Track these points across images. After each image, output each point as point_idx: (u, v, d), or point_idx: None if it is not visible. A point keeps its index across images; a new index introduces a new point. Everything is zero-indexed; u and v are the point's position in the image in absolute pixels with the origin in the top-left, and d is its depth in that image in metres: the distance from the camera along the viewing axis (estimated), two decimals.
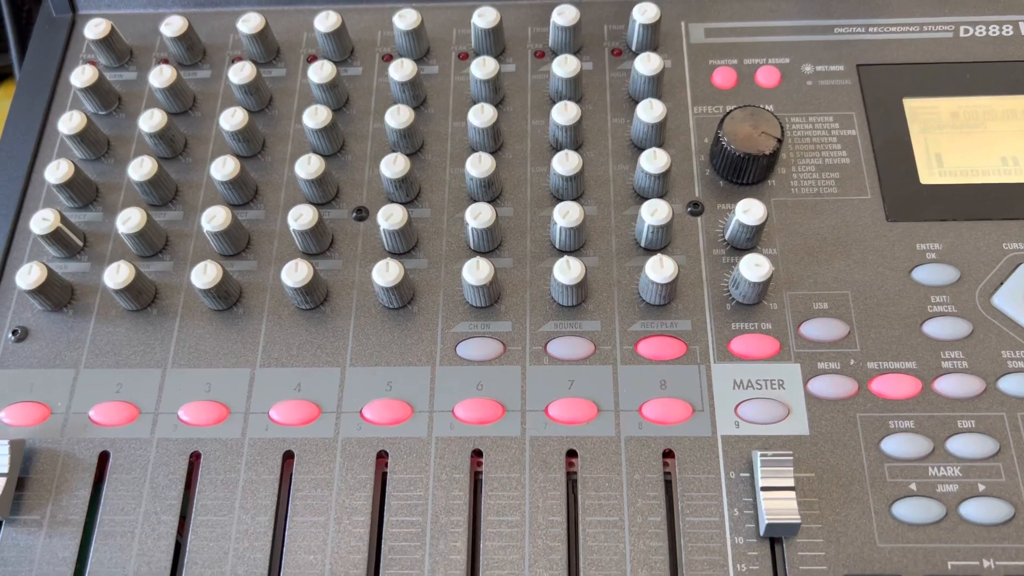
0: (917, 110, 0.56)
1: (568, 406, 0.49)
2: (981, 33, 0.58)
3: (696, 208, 0.54)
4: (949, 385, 0.48)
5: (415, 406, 0.49)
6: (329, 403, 0.49)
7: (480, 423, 0.48)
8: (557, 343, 0.50)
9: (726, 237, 0.52)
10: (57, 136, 0.57)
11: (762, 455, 0.45)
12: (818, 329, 0.50)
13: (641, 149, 0.55)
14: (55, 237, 0.52)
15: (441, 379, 0.50)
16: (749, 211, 0.50)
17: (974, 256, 0.51)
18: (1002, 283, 0.51)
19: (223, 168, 0.53)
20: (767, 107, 0.56)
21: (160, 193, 0.55)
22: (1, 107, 0.89)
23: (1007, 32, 0.58)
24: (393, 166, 0.52)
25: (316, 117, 0.54)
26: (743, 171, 0.53)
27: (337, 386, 0.50)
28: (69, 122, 0.55)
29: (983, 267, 0.51)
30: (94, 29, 0.58)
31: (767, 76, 0.57)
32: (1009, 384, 0.48)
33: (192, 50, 0.59)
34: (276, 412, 0.49)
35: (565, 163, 0.52)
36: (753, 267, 0.48)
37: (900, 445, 0.47)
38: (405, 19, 0.57)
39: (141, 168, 0.53)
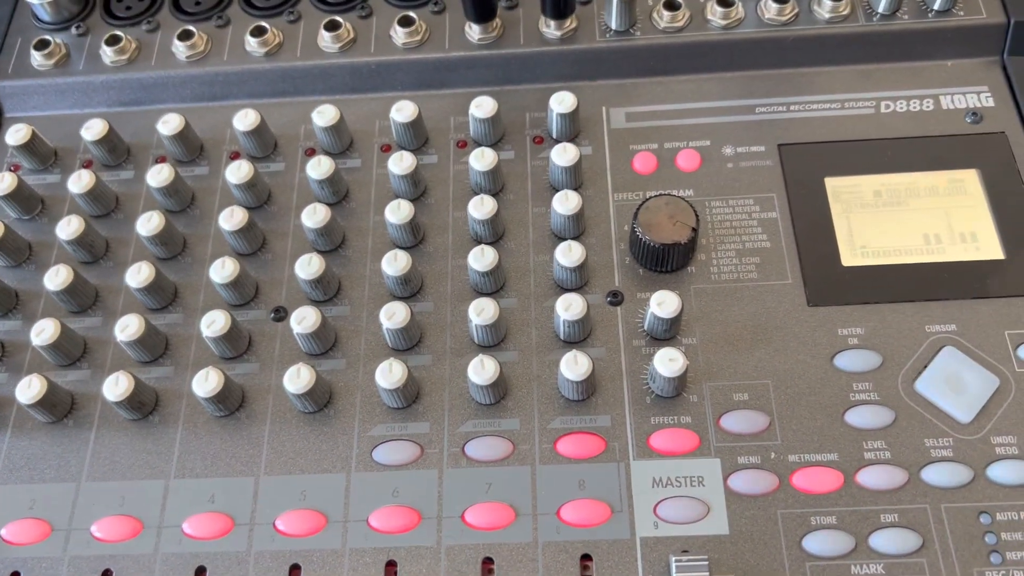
0: (839, 189, 0.56)
1: (485, 511, 0.48)
2: (902, 108, 0.58)
3: (616, 298, 0.53)
4: (872, 477, 0.47)
5: (329, 516, 0.48)
6: (242, 514, 0.48)
7: (396, 532, 0.47)
8: (475, 444, 0.49)
9: (645, 328, 0.52)
10: None
11: (677, 561, 0.44)
12: (738, 421, 0.49)
13: (561, 239, 0.55)
14: None
15: (356, 486, 0.49)
16: (663, 304, 0.49)
17: (897, 340, 0.51)
18: (925, 367, 0.50)
19: (138, 275, 0.52)
20: (687, 192, 0.56)
21: (78, 300, 0.54)
22: None
23: (927, 107, 0.58)
24: (308, 267, 0.52)
25: (232, 219, 0.54)
26: (661, 260, 0.53)
27: (251, 497, 0.49)
28: None
29: (906, 351, 0.50)
30: (15, 135, 0.58)
31: (687, 160, 0.57)
32: (932, 474, 0.47)
33: (114, 151, 0.60)
34: (189, 525, 0.48)
35: (481, 259, 0.52)
36: (667, 362, 0.48)
37: (822, 543, 0.46)
38: (324, 115, 0.57)
39: (57, 277, 0.53)
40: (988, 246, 0.53)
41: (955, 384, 0.49)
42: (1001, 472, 0.47)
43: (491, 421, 0.50)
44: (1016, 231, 0.53)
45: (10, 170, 0.60)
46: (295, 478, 0.49)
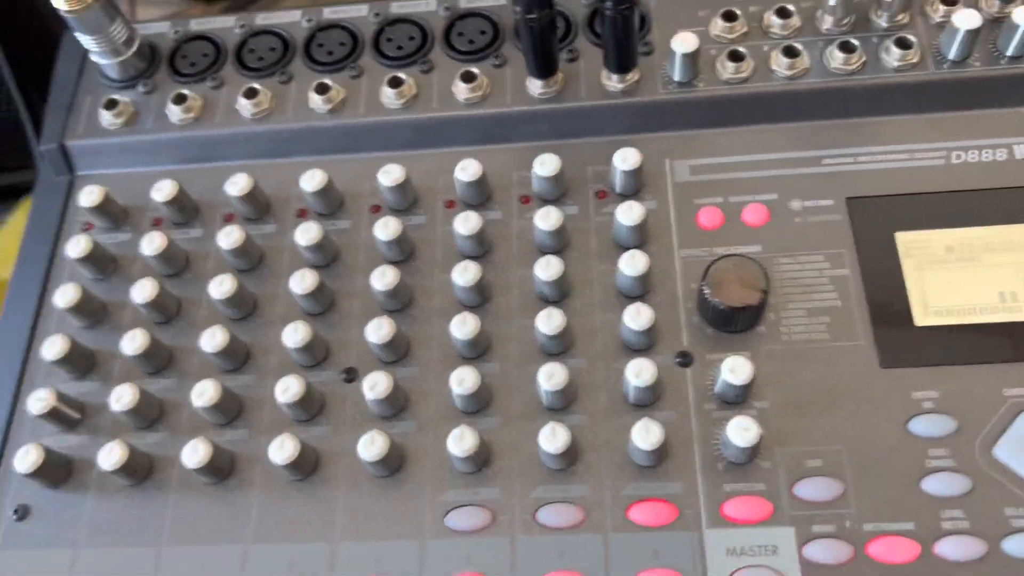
0: (910, 244, 0.55)
1: None
2: (974, 159, 0.57)
3: (684, 359, 0.53)
4: (950, 548, 0.47)
5: None
6: None
7: None
8: (547, 510, 0.50)
9: (715, 392, 0.51)
10: (54, 308, 0.58)
11: None
12: (812, 489, 0.49)
13: (628, 298, 0.55)
14: (52, 415, 0.53)
15: (431, 553, 0.49)
16: (735, 370, 0.49)
17: (973, 403, 0.50)
18: (1003, 432, 0.49)
19: (212, 339, 0.53)
20: (754, 248, 0.56)
21: (154, 363, 0.55)
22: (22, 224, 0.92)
23: (1000, 156, 0.57)
24: (379, 331, 0.53)
25: (303, 283, 0.55)
26: (730, 322, 0.52)
27: (327, 563, 0.50)
28: (65, 295, 0.56)
29: (983, 415, 0.50)
30: (88, 197, 0.60)
31: (754, 214, 0.57)
32: (1013, 545, 0.46)
33: (184, 211, 0.61)
34: None
35: (548, 322, 0.52)
36: (741, 431, 0.48)
37: None
38: (389, 175, 0.57)
39: (134, 342, 0.54)
40: None
41: None
42: None
43: (562, 487, 0.50)
44: None
45: (83, 230, 0.62)
46: (370, 544, 0.50)
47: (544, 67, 0.58)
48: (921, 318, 0.53)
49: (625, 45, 0.57)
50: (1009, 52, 0.57)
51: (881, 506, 0.48)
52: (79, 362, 0.56)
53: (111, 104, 0.63)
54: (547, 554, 0.49)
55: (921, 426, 0.50)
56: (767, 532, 0.48)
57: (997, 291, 0.53)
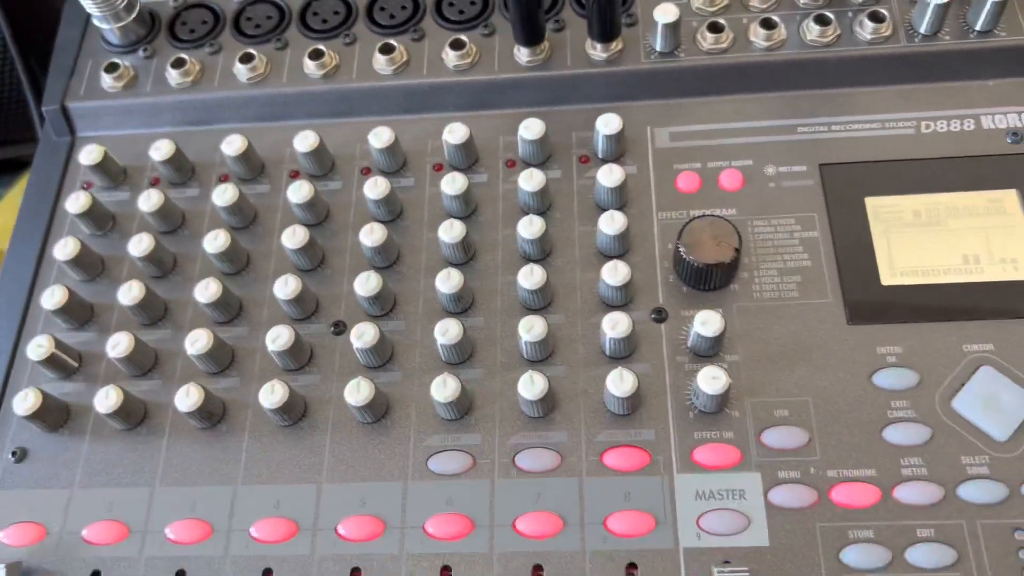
0: (879, 209, 0.57)
1: (535, 520, 0.50)
2: (942, 128, 0.59)
3: (660, 315, 0.55)
4: (909, 493, 0.49)
5: (388, 522, 0.51)
6: (306, 520, 0.51)
7: (450, 539, 0.50)
8: (525, 455, 0.52)
9: (688, 346, 0.54)
10: (54, 261, 0.60)
11: (719, 572, 0.46)
12: (779, 437, 0.51)
13: (607, 257, 0.57)
14: (50, 362, 0.55)
15: (413, 494, 0.51)
16: (707, 323, 0.51)
17: (934, 359, 0.52)
18: (962, 386, 0.51)
19: (206, 291, 0.56)
20: (730, 211, 0.58)
21: (149, 314, 0.58)
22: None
23: (968, 127, 0.59)
24: (366, 284, 0.55)
25: (294, 237, 0.57)
26: (705, 279, 0.55)
27: (314, 503, 0.52)
28: (64, 248, 0.58)
29: (943, 370, 0.52)
30: (88, 155, 0.62)
31: (730, 179, 0.59)
32: (968, 491, 0.48)
33: (180, 170, 0.63)
34: (256, 530, 0.51)
35: (530, 277, 0.54)
36: (710, 380, 0.50)
37: (860, 556, 0.47)
38: (379, 137, 0.60)
39: (130, 292, 0.56)
40: None
41: (992, 403, 0.50)
42: None
43: (540, 434, 0.52)
44: None
45: (83, 188, 0.64)
46: (355, 486, 0.52)
47: (531, 36, 0.60)
48: (888, 278, 0.55)
49: (609, 16, 0.59)
50: (978, 26, 0.59)
51: (844, 454, 0.50)
52: (77, 312, 0.58)
53: (112, 67, 0.65)
54: (524, 496, 0.51)
55: (884, 379, 0.52)
56: (735, 477, 0.50)
57: (961, 253, 0.55)
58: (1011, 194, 0.56)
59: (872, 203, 0.57)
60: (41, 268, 0.61)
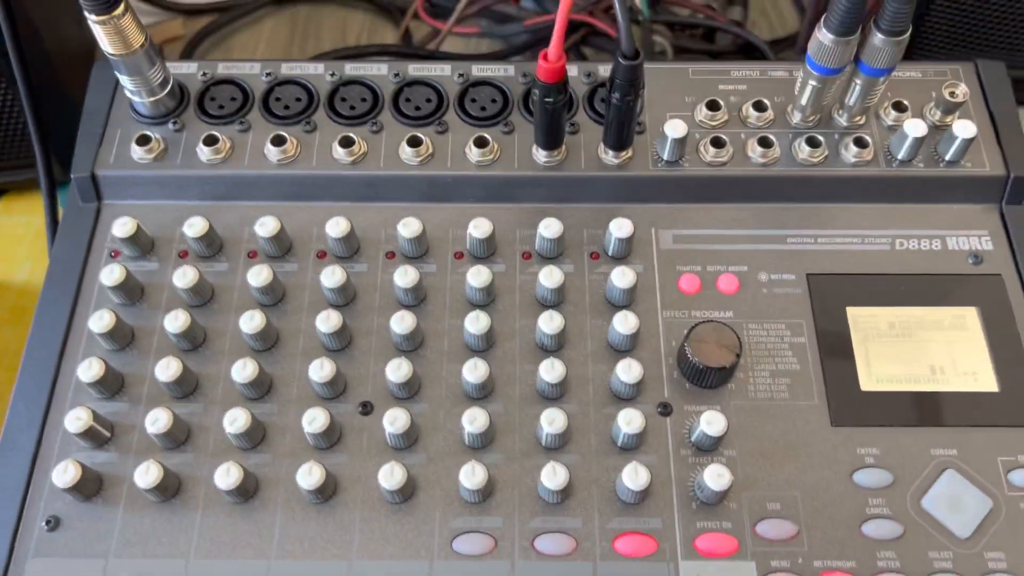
0: (858, 318, 0.64)
1: None
2: (914, 247, 0.66)
3: (665, 409, 0.61)
4: None
5: None
6: None
7: None
8: (544, 539, 0.57)
9: (692, 440, 0.59)
10: (85, 331, 0.62)
11: None
12: (771, 528, 0.57)
13: (617, 351, 0.62)
14: (87, 434, 0.58)
15: (438, 573, 0.56)
16: (712, 423, 0.57)
17: (907, 461, 0.59)
18: (930, 487, 0.58)
19: (243, 371, 0.59)
20: (727, 313, 0.64)
21: (183, 389, 0.60)
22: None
23: (936, 246, 0.66)
24: (398, 371, 0.59)
25: (328, 322, 0.60)
26: (707, 378, 0.60)
27: None
28: (100, 320, 0.60)
29: (914, 471, 0.58)
30: (121, 228, 0.64)
31: (727, 283, 0.65)
32: None
33: (211, 246, 0.65)
34: None
35: (551, 371, 0.59)
36: (716, 477, 0.55)
37: None
38: (408, 227, 0.64)
39: (168, 369, 0.59)
40: (984, 379, 0.61)
41: (955, 504, 0.57)
42: None
43: (557, 519, 0.57)
44: (1009, 366, 0.62)
45: (111, 256, 0.66)
46: (384, 563, 0.56)
47: (552, 142, 0.65)
48: (866, 383, 0.61)
49: (625, 129, 0.64)
50: (947, 157, 0.67)
51: (828, 546, 0.56)
52: (110, 384, 0.60)
53: (143, 140, 0.67)
54: None
55: (863, 478, 0.58)
56: (733, 565, 0.56)
57: (928, 364, 0.62)
58: (971, 311, 0.64)
59: (852, 312, 0.64)
60: (70, 337, 0.63)
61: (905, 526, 0.57)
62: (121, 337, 0.62)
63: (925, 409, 0.60)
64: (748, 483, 0.58)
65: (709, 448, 0.59)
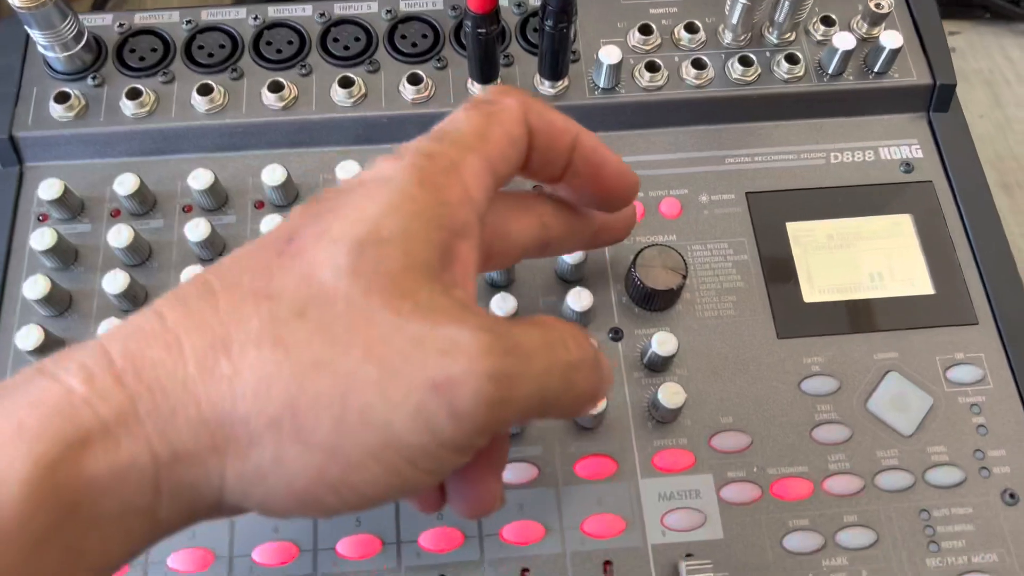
0: (798, 233, 0.65)
1: (520, 528, 0.56)
2: (848, 159, 0.68)
3: (616, 335, 0.61)
4: (835, 485, 0.57)
5: (384, 538, 0.55)
6: (306, 542, 0.55)
7: (442, 551, 0.55)
8: (507, 469, 0.57)
9: (644, 362, 0.60)
10: (19, 298, 0.60)
11: (687, 565, 0.53)
12: (725, 441, 0.58)
13: (566, 282, 0.63)
14: None
15: (404, 511, 0.56)
16: (664, 344, 0.58)
17: (851, 367, 0.61)
18: (874, 390, 0.60)
19: None
20: (671, 237, 0.65)
21: None
22: None
23: (869, 157, 0.68)
24: None
25: None
26: (654, 301, 0.61)
27: (311, 524, 0.56)
28: (34, 287, 0.58)
29: (858, 376, 0.60)
30: (48, 189, 0.62)
31: (669, 207, 0.65)
32: (883, 480, 0.57)
33: (143, 202, 0.64)
34: (258, 555, 0.55)
35: (502, 304, 0.59)
36: (671, 396, 0.56)
37: (798, 541, 0.56)
38: (346, 171, 0.63)
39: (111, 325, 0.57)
40: (920, 283, 0.63)
41: (899, 404, 0.59)
42: (936, 476, 0.57)
43: (519, 448, 0.58)
44: (942, 270, 0.64)
45: (39, 219, 0.64)
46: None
47: (487, 75, 0.64)
48: (808, 295, 0.63)
49: (560, 57, 0.64)
50: (876, 68, 0.68)
51: (781, 453, 0.58)
52: (52, 350, 0.59)
53: (62, 97, 0.65)
54: (509, 506, 0.56)
55: (811, 386, 0.60)
56: (690, 479, 0.57)
57: (867, 272, 0.64)
58: (906, 218, 0.66)
59: (792, 227, 0.65)
60: (3, 305, 0.61)
61: (853, 429, 0.59)
62: (58, 302, 0.60)
63: (866, 316, 0.62)
64: (700, 399, 0.60)
65: (661, 368, 0.60)
